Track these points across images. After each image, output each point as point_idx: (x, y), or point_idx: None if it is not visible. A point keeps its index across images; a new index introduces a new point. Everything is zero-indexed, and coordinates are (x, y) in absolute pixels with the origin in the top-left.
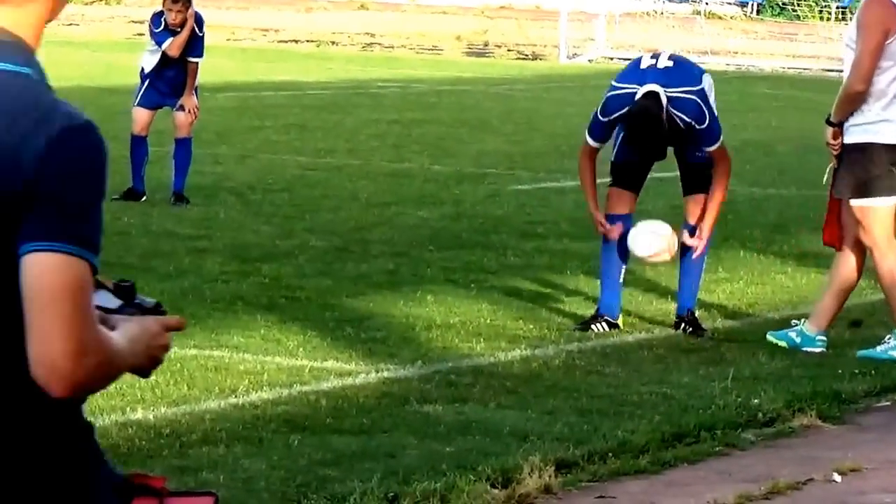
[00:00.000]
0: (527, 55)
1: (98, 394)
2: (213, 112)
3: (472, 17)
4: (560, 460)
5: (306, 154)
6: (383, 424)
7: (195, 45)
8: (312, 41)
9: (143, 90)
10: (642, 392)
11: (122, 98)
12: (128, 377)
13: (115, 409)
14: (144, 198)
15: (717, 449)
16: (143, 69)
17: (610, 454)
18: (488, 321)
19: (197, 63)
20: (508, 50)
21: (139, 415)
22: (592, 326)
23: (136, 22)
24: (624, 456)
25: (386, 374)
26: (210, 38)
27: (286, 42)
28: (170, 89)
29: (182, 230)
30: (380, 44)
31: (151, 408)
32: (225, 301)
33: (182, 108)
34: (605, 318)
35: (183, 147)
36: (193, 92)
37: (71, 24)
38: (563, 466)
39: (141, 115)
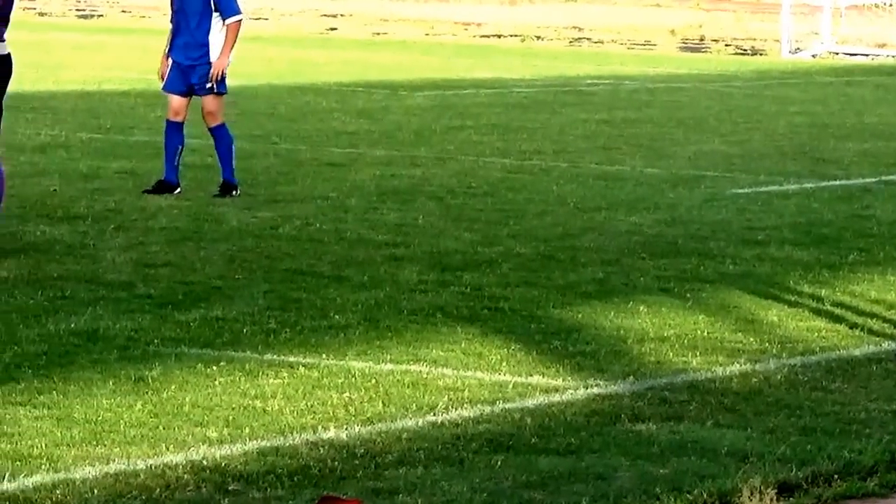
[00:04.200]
0: (745, 50)
1: (288, 411)
2: (410, 111)
3: (687, 9)
4: (782, 483)
5: (510, 156)
6: (592, 444)
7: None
8: (516, 36)
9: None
10: (870, 409)
11: (313, 97)
12: (319, 393)
13: (307, 428)
14: (179, 190)
15: None
16: None
17: (835, 476)
18: (705, 334)
19: (234, 22)
20: (726, 45)
21: (331, 434)
22: None
23: (328, 16)
24: (850, 478)
25: (595, 390)
26: (408, 33)
27: (488, 37)
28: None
29: (377, 237)
30: (588, 38)
31: (345, 426)
32: (423, 312)
33: (209, 92)
34: None
35: (217, 135)
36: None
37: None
38: (786, 489)
39: (172, 101)
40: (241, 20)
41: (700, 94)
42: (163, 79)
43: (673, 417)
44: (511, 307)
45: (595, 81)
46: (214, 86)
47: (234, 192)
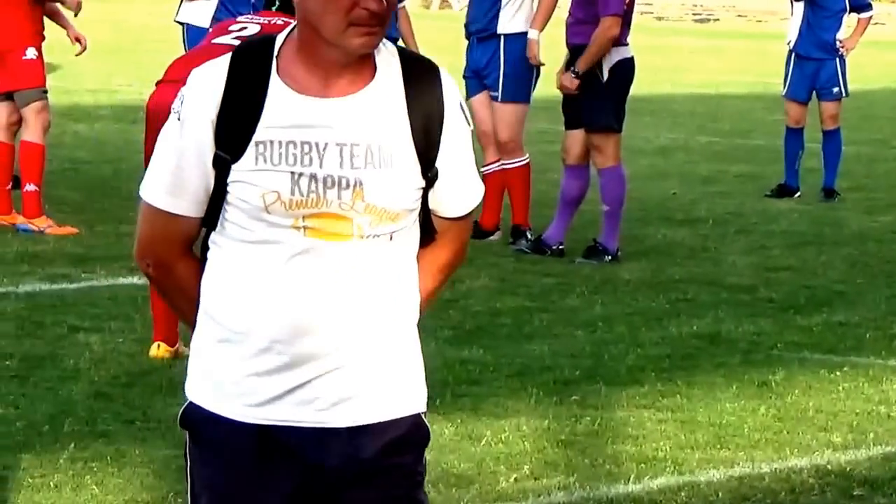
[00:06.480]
0: None
1: None
2: None
3: None
4: None
5: None
6: None
7: None
8: None
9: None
10: None
11: None
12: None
13: None
14: (799, 194)
15: None
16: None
17: None
18: None
19: (867, 17)
20: None
21: None
22: None
23: None
24: None
25: None
26: None
27: None
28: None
29: None
30: None
31: None
32: None
33: (834, 98)
34: None
35: (832, 138)
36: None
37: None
38: None
39: (792, 109)
40: (871, 17)
41: None
42: None
43: None
44: None
45: None
46: (842, 90)
47: (834, 198)
